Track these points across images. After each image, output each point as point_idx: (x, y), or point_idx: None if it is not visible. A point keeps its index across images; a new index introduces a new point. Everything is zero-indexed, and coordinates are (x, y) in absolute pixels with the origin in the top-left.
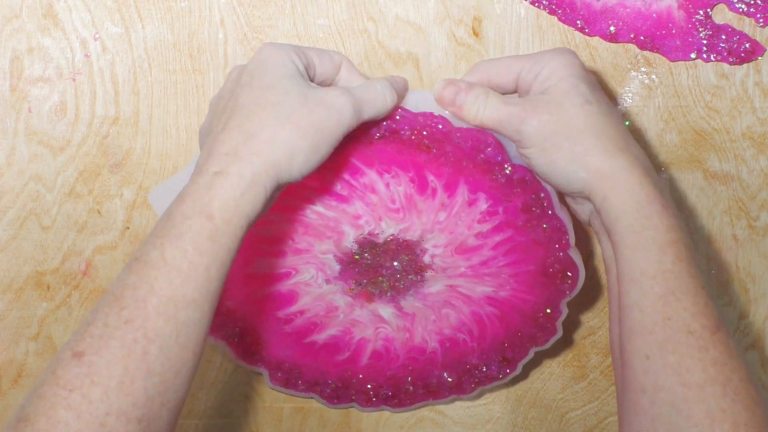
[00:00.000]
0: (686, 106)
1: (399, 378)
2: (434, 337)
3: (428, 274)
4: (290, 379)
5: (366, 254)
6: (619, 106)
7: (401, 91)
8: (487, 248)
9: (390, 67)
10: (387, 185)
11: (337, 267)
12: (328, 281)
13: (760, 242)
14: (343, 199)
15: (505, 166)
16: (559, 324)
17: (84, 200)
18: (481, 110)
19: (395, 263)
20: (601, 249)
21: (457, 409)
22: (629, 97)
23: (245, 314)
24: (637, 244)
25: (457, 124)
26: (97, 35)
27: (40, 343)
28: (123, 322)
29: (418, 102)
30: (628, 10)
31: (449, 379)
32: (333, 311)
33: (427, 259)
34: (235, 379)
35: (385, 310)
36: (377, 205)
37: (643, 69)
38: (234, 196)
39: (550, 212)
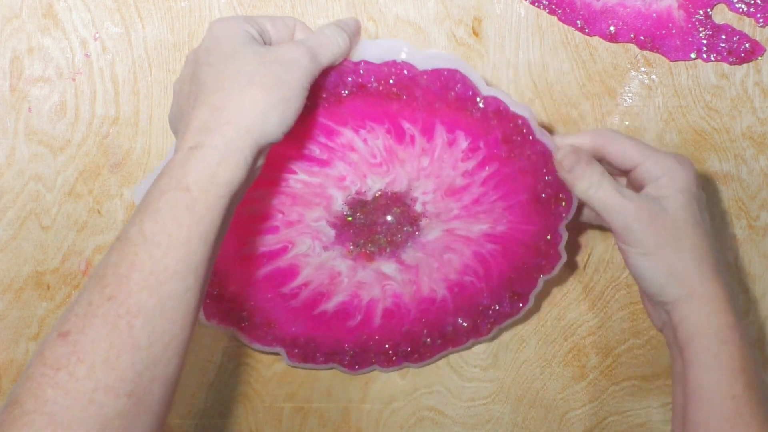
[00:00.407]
0: (686, 106)
1: (415, 332)
2: (441, 284)
3: (423, 222)
4: (307, 353)
5: (358, 214)
6: (619, 106)
7: (353, 33)
8: (476, 185)
9: None
10: (365, 141)
11: (332, 232)
12: (325, 248)
13: (760, 242)
14: (323, 163)
15: (477, 100)
16: (561, 248)
17: (84, 200)
18: (593, 189)
19: (388, 217)
20: (671, 359)
21: (457, 409)
22: (629, 97)
23: (249, 297)
24: (711, 366)
25: (422, 67)
26: (97, 35)
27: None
28: (106, 299)
29: (382, 52)
30: (628, 9)
31: (464, 324)
32: (336, 277)
33: (419, 207)
34: (235, 379)
35: (388, 267)
36: (359, 162)
37: (643, 69)
38: (209, 165)
39: (531, 137)
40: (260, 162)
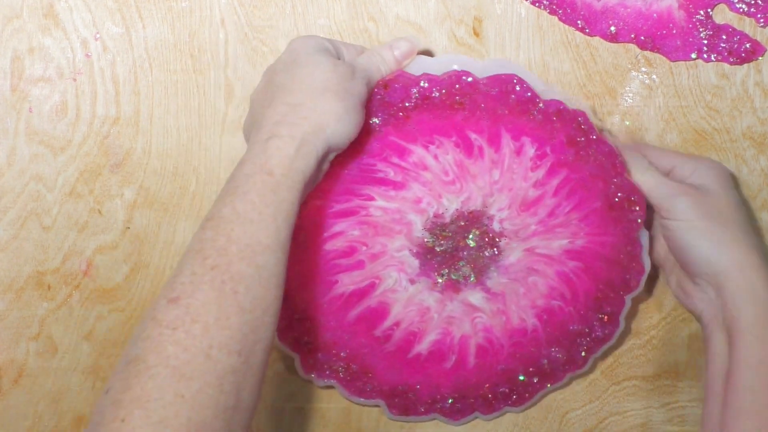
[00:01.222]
0: (687, 106)
1: (511, 370)
2: (530, 312)
3: (503, 242)
4: (408, 404)
5: (439, 240)
6: (620, 106)
7: (404, 54)
8: (549, 196)
9: None
10: (435, 157)
11: (416, 262)
12: (411, 281)
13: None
14: (399, 185)
15: (537, 101)
16: (644, 259)
17: (84, 200)
18: (641, 174)
19: (469, 241)
20: (707, 342)
21: None
22: (630, 97)
23: (344, 344)
24: (763, 335)
25: (479, 74)
26: (98, 35)
27: (40, 343)
28: (209, 269)
29: (439, 66)
30: (629, 10)
31: (559, 356)
32: (426, 313)
33: (496, 226)
34: None
35: (475, 297)
36: (433, 182)
37: (643, 69)
38: (288, 154)
39: (593, 137)
40: (325, 166)
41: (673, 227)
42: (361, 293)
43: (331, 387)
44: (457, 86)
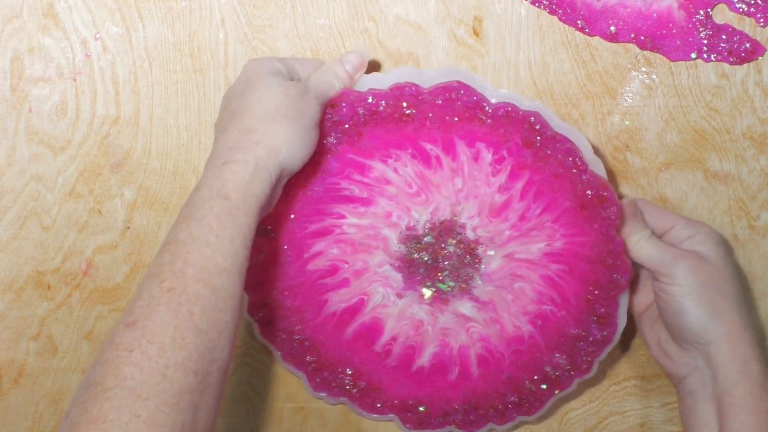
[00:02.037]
0: (687, 105)
1: (516, 379)
2: (523, 319)
3: (480, 250)
4: (422, 417)
5: (417, 252)
6: (620, 106)
7: (355, 68)
8: (516, 200)
9: (390, 67)
10: (395, 170)
11: (399, 276)
12: (399, 296)
13: (761, 242)
14: (366, 201)
15: (484, 105)
16: (627, 257)
17: (84, 200)
18: (643, 242)
19: (447, 251)
20: (691, 411)
21: None
22: (629, 96)
23: (348, 360)
24: (756, 410)
25: (425, 86)
26: (98, 35)
27: (40, 343)
28: (166, 291)
29: (386, 82)
30: (629, 9)
31: (562, 362)
32: (420, 326)
33: (470, 234)
34: (235, 379)
35: (465, 307)
36: (398, 195)
37: (643, 69)
38: (244, 178)
39: (549, 133)
40: (279, 188)
41: (671, 291)
42: (353, 310)
43: (342, 404)
44: (402, 98)
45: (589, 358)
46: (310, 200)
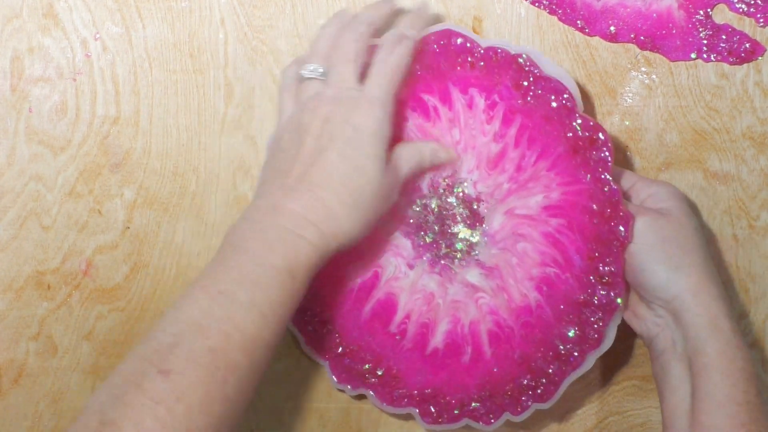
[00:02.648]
0: (686, 106)
1: (529, 356)
2: (528, 285)
3: (482, 207)
4: (441, 410)
5: (423, 214)
6: (619, 106)
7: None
8: (511, 148)
9: None
10: (397, 126)
11: (408, 243)
12: (410, 266)
13: (760, 242)
14: None
15: (476, 49)
16: (624, 206)
17: (84, 200)
18: None
19: (450, 210)
20: (662, 372)
21: None
22: (629, 97)
23: (367, 345)
24: (728, 371)
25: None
26: (98, 35)
27: (40, 343)
28: (207, 350)
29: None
30: (629, 10)
31: (570, 334)
32: (431, 300)
33: (471, 190)
34: None
35: (473, 275)
36: None
37: (643, 69)
38: (312, 262)
39: (538, 73)
40: None
41: (631, 249)
42: (369, 286)
43: (363, 396)
44: None
45: (600, 327)
46: None
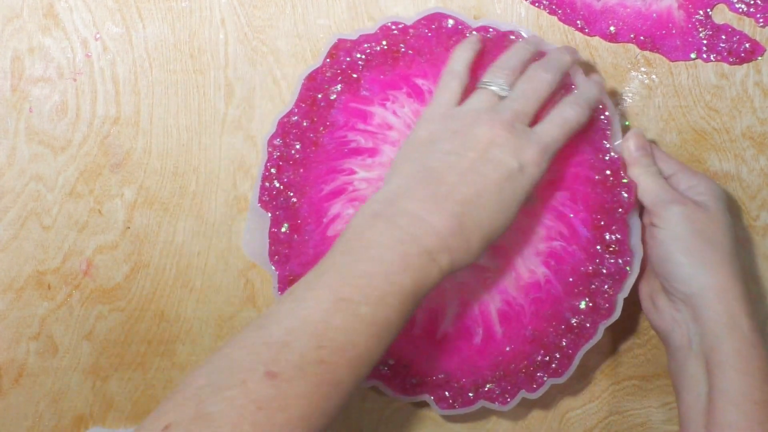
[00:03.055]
0: (686, 106)
1: (540, 332)
2: (536, 260)
3: None
4: (455, 395)
5: None
6: (619, 106)
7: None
8: None
9: None
10: (394, 113)
11: None
12: None
13: (760, 242)
14: (372, 152)
15: (467, 30)
16: (624, 172)
17: (85, 200)
18: (644, 173)
19: None
20: (679, 368)
21: None
22: (629, 97)
23: None
24: (745, 369)
25: (409, 22)
26: (98, 35)
27: (40, 343)
28: (318, 361)
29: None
30: (628, 10)
31: (581, 305)
32: (438, 284)
33: None
34: None
35: None
36: (399, 140)
37: (643, 69)
38: (434, 281)
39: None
40: None
41: (660, 236)
42: None
43: (375, 387)
44: (391, 36)
45: (610, 296)
46: (321, 158)
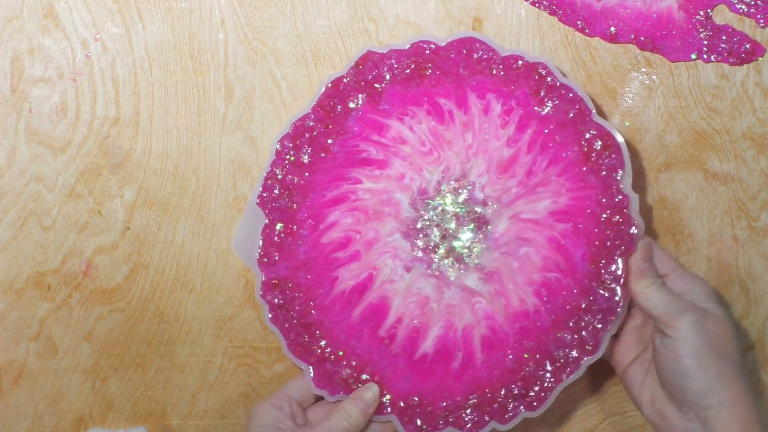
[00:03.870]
0: (686, 106)
1: (521, 362)
2: (528, 290)
3: (488, 211)
4: (424, 417)
5: (426, 217)
6: (620, 107)
7: (370, 399)
8: (523, 153)
9: None
10: (411, 128)
11: (407, 245)
12: (407, 269)
13: (761, 242)
14: (382, 164)
15: (495, 57)
16: (634, 211)
17: (84, 200)
18: (651, 284)
19: (456, 213)
20: None
21: None
22: (629, 97)
23: (353, 349)
24: None
25: (442, 43)
26: (98, 35)
27: (40, 344)
28: None
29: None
30: (629, 10)
31: (567, 337)
32: (425, 304)
33: (478, 194)
34: (236, 380)
35: (471, 279)
36: (412, 155)
37: (643, 69)
38: None
39: (557, 84)
40: None
41: (675, 349)
42: (362, 288)
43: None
44: (422, 56)
45: (595, 332)
46: (329, 165)
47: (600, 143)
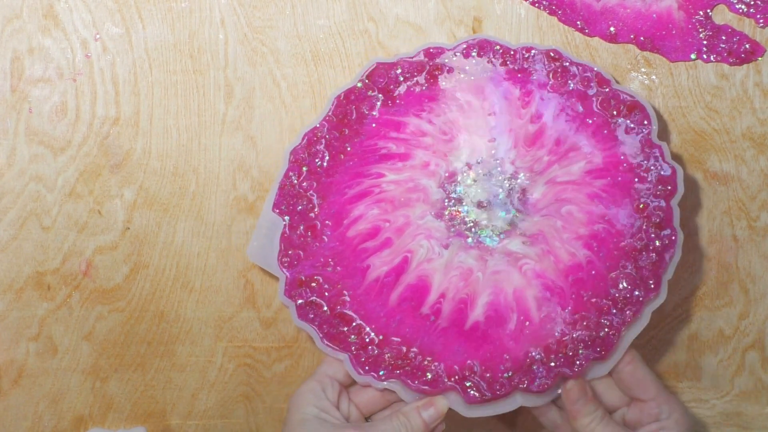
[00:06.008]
0: (686, 106)
1: (582, 311)
2: (577, 244)
3: (521, 180)
4: (486, 386)
5: (457, 193)
6: None
7: (435, 414)
8: (549, 127)
9: None
10: (430, 122)
11: (441, 224)
12: (445, 246)
13: (760, 242)
14: (404, 156)
15: (510, 51)
16: (666, 153)
17: (84, 200)
18: (593, 425)
19: (489, 187)
20: None
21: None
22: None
23: (395, 332)
24: None
25: (449, 47)
26: (98, 35)
27: (40, 344)
28: None
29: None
30: (628, 10)
31: (625, 284)
32: (469, 275)
33: (509, 168)
34: (236, 380)
35: (514, 244)
36: (434, 144)
37: (643, 69)
38: None
39: (570, 61)
40: None
41: None
42: (397, 271)
43: (390, 390)
44: (430, 65)
45: (656, 270)
46: (347, 166)
47: (624, 107)
